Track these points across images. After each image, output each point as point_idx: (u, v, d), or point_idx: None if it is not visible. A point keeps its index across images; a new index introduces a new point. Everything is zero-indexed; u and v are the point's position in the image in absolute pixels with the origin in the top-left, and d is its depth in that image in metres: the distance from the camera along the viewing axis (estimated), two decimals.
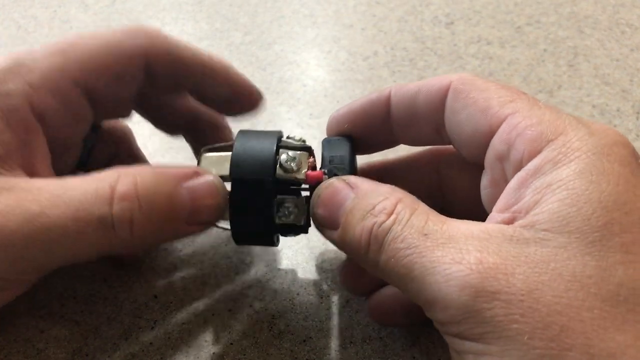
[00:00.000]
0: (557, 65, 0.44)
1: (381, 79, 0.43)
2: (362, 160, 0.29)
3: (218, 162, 0.25)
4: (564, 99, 0.41)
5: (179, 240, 0.32)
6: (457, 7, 0.51)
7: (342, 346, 0.27)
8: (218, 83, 0.28)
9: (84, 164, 0.29)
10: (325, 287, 0.30)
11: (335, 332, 0.28)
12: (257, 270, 0.31)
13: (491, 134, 0.21)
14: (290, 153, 0.24)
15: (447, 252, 0.18)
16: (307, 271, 0.31)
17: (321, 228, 0.23)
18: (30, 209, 0.20)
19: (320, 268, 0.31)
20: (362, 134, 0.26)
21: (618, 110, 0.40)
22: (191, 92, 0.29)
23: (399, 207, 0.20)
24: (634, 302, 0.16)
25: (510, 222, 0.19)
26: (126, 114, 0.29)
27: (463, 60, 0.45)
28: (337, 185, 0.22)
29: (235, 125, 0.30)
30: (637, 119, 0.39)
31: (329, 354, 0.27)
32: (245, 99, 0.29)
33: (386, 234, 0.19)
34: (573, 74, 0.43)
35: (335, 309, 0.29)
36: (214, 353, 0.27)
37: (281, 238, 0.28)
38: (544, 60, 0.45)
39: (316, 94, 0.42)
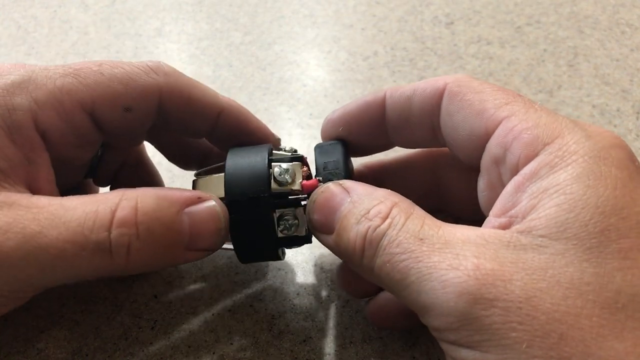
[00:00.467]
0: (557, 65, 0.44)
1: (381, 79, 0.43)
2: (359, 160, 0.29)
3: (212, 185, 0.25)
4: (564, 99, 0.41)
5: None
6: (457, 7, 0.51)
7: (342, 346, 0.27)
8: (234, 128, 0.27)
9: (94, 172, 0.29)
10: (325, 287, 0.30)
11: (335, 332, 0.28)
12: (257, 270, 0.31)
13: (487, 136, 0.21)
14: (283, 165, 0.24)
15: (444, 257, 0.18)
16: (307, 271, 0.31)
17: (317, 233, 0.23)
18: (29, 228, 0.20)
19: (320, 268, 0.31)
20: (357, 136, 0.26)
21: (618, 110, 0.40)
22: (205, 135, 0.28)
23: (394, 211, 0.20)
24: (633, 308, 0.16)
25: (507, 226, 0.19)
26: (136, 144, 0.29)
27: (463, 60, 0.45)
28: (333, 190, 0.22)
29: None
30: (637, 119, 0.39)
31: (329, 354, 0.27)
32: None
33: (381, 239, 0.19)
34: (573, 74, 0.43)
35: (335, 309, 0.29)
36: (214, 353, 0.27)
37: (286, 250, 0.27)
38: (544, 60, 0.45)
39: (316, 94, 0.42)
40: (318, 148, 0.25)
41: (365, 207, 0.20)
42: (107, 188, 0.31)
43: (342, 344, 0.27)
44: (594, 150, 0.18)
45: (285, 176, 0.24)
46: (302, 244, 0.26)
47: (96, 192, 0.32)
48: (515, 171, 0.20)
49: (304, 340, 0.27)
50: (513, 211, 0.19)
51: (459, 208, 0.27)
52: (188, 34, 0.49)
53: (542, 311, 0.16)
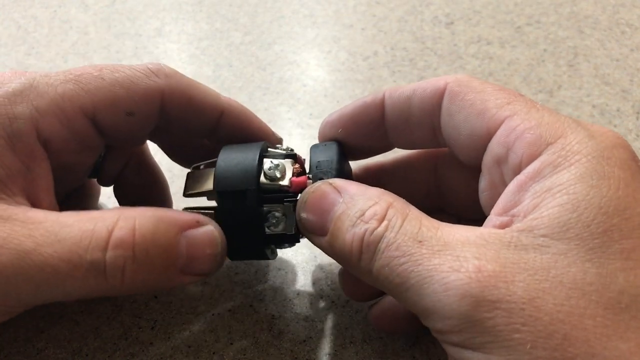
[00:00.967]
0: (557, 65, 0.44)
1: (381, 79, 0.43)
2: (357, 164, 0.28)
3: (202, 178, 0.25)
4: (564, 99, 0.41)
5: None
6: (457, 7, 0.51)
7: (342, 346, 0.27)
8: (236, 129, 0.27)
9: (97, 174, 0.29)
10: (325, 287, 0.30)
11: (335, 332, 0.28)
12: (257, 270, 0.31)
13: (489, 136, 0.21)
14: (274, 161, 0.24)
15: (444, 259, 0.18)
16: (307, 271, 0.31)
17: (308, 234, 0.23)
18: (23, 245, 0.19)
19: (320, 268, 0.31)
20: (356, 138, 0.25)
21: (618, 110, 0.40)
22: (207, 136, 0.28)
23: (390, 212, 0.20)
24: (636, 308, 0.16)
25: (508, 225, 0.19)
26: (138, 145, 0.29)
27: (463, 60, 0.45)
28: (324, 189, 0.22)
29: None
30: (637, 119, 0.39)
31: (329, 354, 0.27)
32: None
33: (379, 242, 0.19)
34: (573, 74, 0.43)
35: (335, 309, 0.29)
36: (214, 353, 0.27)
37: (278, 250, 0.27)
38: (544, 60, 0.45)
39: (316, 94, 0.42)
40: (313, 147, 0.25)
41: (360, 208, 0.20)
42: (111, 188, 0.31)
43: (342, 344, 0.27)
44: (597, 150, 0.18)
45: (275, 172, 0.23)
46: (292, 243, 0.25)
47: (99, 191, 0.32)
48: (517, 170, 0.19)
49: (304, 340, 0.27)
50: (515, 210, 0.19)
51: (460, 207, 0.27)
52: (188, 34, 0.49)
53: (545, 312, 0.16)
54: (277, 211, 0.24)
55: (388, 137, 0.25)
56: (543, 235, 0.18)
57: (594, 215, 0.17)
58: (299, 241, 0.25)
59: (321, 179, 0.23)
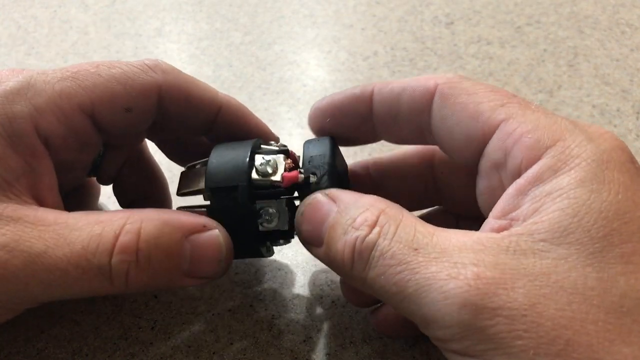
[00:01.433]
0: (557, 65, 0.44)
1: (381, 79, 0.43)
2: (355, 157, 0.28)
3: (196, 177, 0.25)
4: (564, 99, 0.41)
5: None
6: (457, 7, 0.51)
7: (342, 346, 0.27)
8: (233, 125, 0.27)
9: (96, 172, 0.29)
10: (325, 287, 0.30)
11: (335, 332, 0.28)
12: (257, 270, 0.31)
13: (484, 140, 0.21)
14: (266, 157, 0.24)
15: (442, 267, 0.17)
16: (307, 271, 0.31)
17: (307, 246, 0.22)
18: (34, 247, 0.20)
19: (320, 268, 0.31)
20: (344, 128, 0.25)
21: (618, 110, 0.40)
22: (204, 133, 0.28)
23: (382, 218, 0.19)
24: (638, 312, 0.16)
25: (506, 228, 0.19)
26: (137, 143, 0.29)
27: (463, 60, 0.45)
28: (320, 200, 0.22)
29: None
30: (637, 119, 0.39)
31: (329, 354, 0.27)
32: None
33: (372, 249, 0.19)
34: (573, 74, 0.43)
35: (335, 309, 0.29)
36: (214, 353, 0.27)
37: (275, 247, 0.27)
38: (544, 60, 0.45)
39: (316, 94, 0.42)
40: (307, 142, 0.25)
41: (351, 216, 0.20)
42: (110, 186, 0.31)
43: (342, 344, 0.27)
44: (596, 154, 0.18)
45: (267, 167, 0.23)
46: (287, 240, 0.25)
47: (99, 191, 0.32)
48: (517, 175, 0.19)
49: (304, 340, 0.27)
50: (514, 213, 0.19)
51: (458, 204, 0.27)
52: (188, 34, 0.49)
53: (547, 318, 0.16)
54: (270, 207, 0.24)
55: (375, 130, 0.25)
56: (543, 240, 0.17)
57: (595, 219, 0.17)
58: (293, 237, 0.25)
59: (313, 173, 0.23)
